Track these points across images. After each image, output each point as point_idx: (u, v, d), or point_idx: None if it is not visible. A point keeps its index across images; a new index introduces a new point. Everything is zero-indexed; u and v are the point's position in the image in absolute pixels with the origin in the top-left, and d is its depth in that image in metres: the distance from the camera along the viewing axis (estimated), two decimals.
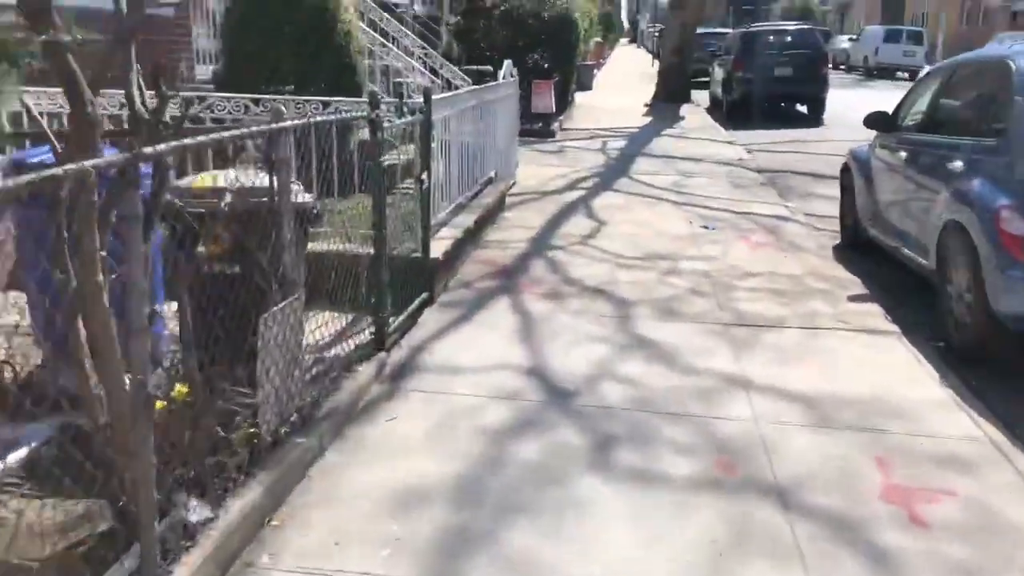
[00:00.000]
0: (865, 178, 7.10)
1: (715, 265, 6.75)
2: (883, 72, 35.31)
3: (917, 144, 5.98)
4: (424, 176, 5.11)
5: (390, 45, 8.63)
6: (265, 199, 3.55)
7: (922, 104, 6.41)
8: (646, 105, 20.40)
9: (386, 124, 4.37)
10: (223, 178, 3.65)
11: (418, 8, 18.40)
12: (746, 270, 6.62)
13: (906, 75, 35.46)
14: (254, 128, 3.21)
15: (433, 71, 9.99)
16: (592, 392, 4.31)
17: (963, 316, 5.02)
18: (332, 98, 5.69)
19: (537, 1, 16.94)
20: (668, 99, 20.84)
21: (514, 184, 10.02)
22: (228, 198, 3.40)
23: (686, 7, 20.93)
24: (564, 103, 17.45)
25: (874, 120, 6.83)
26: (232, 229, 3.53)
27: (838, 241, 8.03)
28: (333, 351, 4.39)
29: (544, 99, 14.54)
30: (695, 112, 19.45)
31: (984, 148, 5.00)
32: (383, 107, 5.39)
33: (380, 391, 4.23)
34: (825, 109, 18.81)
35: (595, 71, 29.91)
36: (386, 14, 9.91)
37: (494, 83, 8.69)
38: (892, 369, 4.71)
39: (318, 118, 3.69)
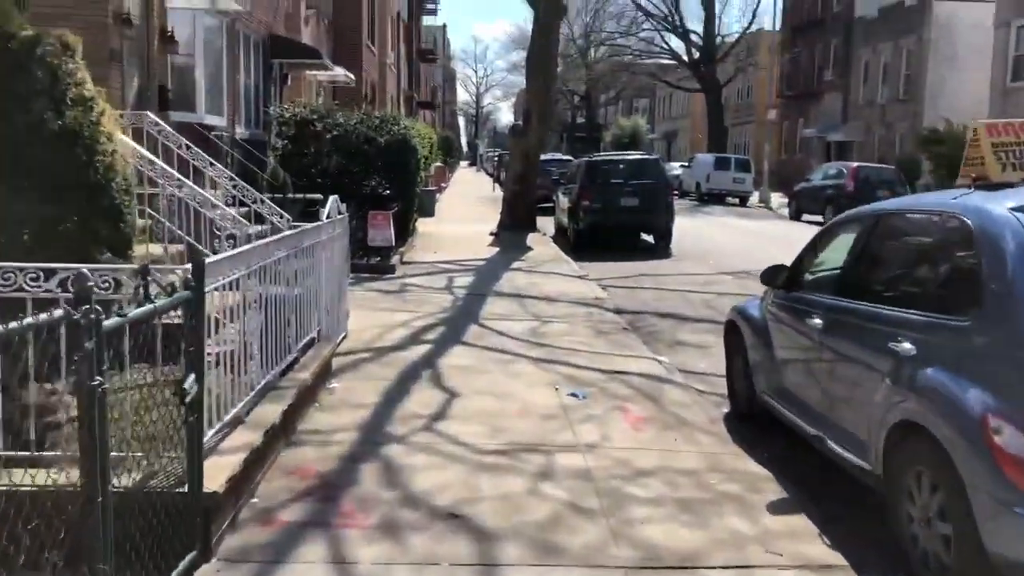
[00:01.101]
0: (762, 343, 5.98)
1: (597, 459, 5.32)
2: (714, 198, 36.56)
3: (837, 311, 4.87)
4: (190, 383, 3.43)
5: (185, 179, 6.97)
6: None
7: (834, 260, 5.38)
8: (492, 234, 19.43)
9: (110, 323, 2.72)
10: None
11: (240, 131, 16.83)
12: (636, 466, 5.23)
13: (736, 200, 36.93)
14: None
15: (244, 204, 8.39)
16: None
17: (936, 551, 3.77)
18: (62, 265, 3.96)
19: (373, 126, 15.80)
20: (514, 227, 19.99)
21: (345, 338, 8.41)
22: None
23: (528, 135, 20.42)
24: (405, 233, 16.16)
25: (772, 276, 5.75)
26: None
27: (727, 409, 6.86)
28: None
29: (382, 231, 13.14)
30: (542, 242, 18.63)
31: (946, 328, 3.88)
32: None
33: None
34: (672, 238, 18.44)
35: (438, 196, 29.09)
36: (186, 139, 8.27)
37: (315, 224, 7.16)
38: None
39: None
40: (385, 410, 6.26)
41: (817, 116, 45.10)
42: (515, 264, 14.98)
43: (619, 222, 17.87)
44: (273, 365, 5.76)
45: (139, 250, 7.50)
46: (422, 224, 20.50)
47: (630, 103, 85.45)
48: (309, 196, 14.78)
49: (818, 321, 5.04)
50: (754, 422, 6.30)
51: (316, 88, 25.51)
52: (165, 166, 7.03)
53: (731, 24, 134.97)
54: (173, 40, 12.77)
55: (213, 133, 14.36)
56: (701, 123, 63.72)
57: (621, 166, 18.77)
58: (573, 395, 6.83)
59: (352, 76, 25.86)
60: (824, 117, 44.21)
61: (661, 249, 18.04)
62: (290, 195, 14.20)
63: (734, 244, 20.02)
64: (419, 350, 8.29)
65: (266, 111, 18.24)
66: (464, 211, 27.20)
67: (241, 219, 6.93)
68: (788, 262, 5.98)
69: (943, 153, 29.88)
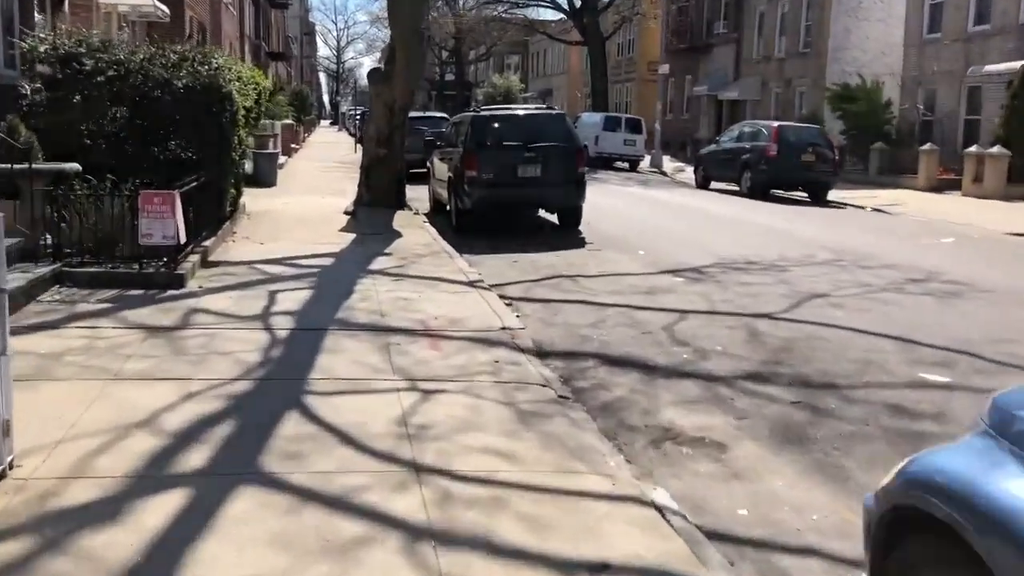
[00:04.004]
0: None
1: None
2: (603, 162, 32.82)
3: None
4: None
5: None
6: None
7: None
8: (347, 213, 14.81)
9: None
10: None
11: None
12: None
13: (626, 164, 33.40)
14: None
15: None
16: None
17: None
18: None
19: (168, 64, 10.95)
20: (376, 203, 15.48)
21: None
22: None
23: (393, 82, 15.77)
24: (216, 218, 11.39)
25: None
26: None
27: None
28: None
29: (162, 222, 8.38)
30: (414, 224, 14.16)
31: None
32: None
33: None
34: (582, 219, 14.35)
35: (282, 160, 24.03)
36: None
37: None
38: None
39: None
40: None
41: (707, 72, 42.02)
42: (377, 262, 10.53)
43: (516, 198, 13.63)
44: None
45: None
46: (254, 198, 15.69)
47: (501, 60, 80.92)
48: (62, 166, 9.90)
49: None
50: None
51: (117, 22, 19.90)
52: None
53: None
54: None
55: None
56: (578, 80, 60.05)
57: (518, 124, 14.22)
58: None
59: (166, 9, 20.40)
60: (714, 73, 41.17)
61: (570, 233, 13.92)
62: (34, 165, 9.34)
63: (655, 223, 16.15)
64: (154, 515, 3.80)
65: (21, 43, 12.84)
66: (316, 179, 22.33)
67: None
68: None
69: (858, 111, 27.10)
